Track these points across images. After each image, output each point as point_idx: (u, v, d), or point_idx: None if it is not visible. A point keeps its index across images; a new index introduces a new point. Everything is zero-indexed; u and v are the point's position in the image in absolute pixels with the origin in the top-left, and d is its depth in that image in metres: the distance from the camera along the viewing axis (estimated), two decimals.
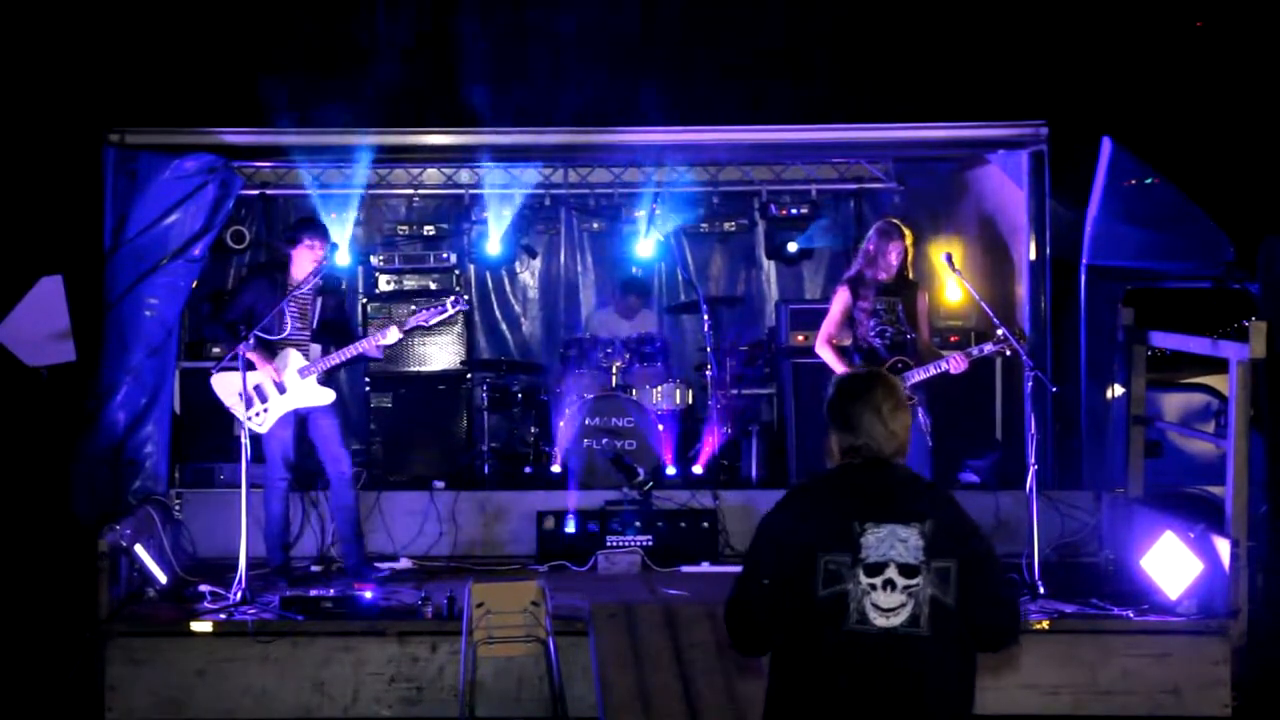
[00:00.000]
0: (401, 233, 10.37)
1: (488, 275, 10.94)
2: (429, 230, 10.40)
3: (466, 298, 7.80)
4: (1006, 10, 11.00)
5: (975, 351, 7.19)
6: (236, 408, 7.46)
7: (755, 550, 3.82)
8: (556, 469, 8.93)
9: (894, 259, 7.20)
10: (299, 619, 6.77)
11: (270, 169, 9.98)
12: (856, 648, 3.62)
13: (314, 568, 7.96)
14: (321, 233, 7.60)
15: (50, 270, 7.81)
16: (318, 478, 8.69)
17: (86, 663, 6.66)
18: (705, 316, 9.34)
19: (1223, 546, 6.78)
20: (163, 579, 7.31)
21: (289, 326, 7.50)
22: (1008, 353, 7.23)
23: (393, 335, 7.47)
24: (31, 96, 8.84)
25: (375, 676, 6.69)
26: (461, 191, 10.41)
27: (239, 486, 7.18)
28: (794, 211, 10.22)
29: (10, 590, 7.54)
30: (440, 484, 8.54)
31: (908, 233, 7.28)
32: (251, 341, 7.40)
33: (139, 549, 7.18)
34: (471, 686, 6.41)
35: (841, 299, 7.33)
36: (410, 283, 9.99)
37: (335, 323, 7.69)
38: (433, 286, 9.99)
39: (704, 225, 10.59)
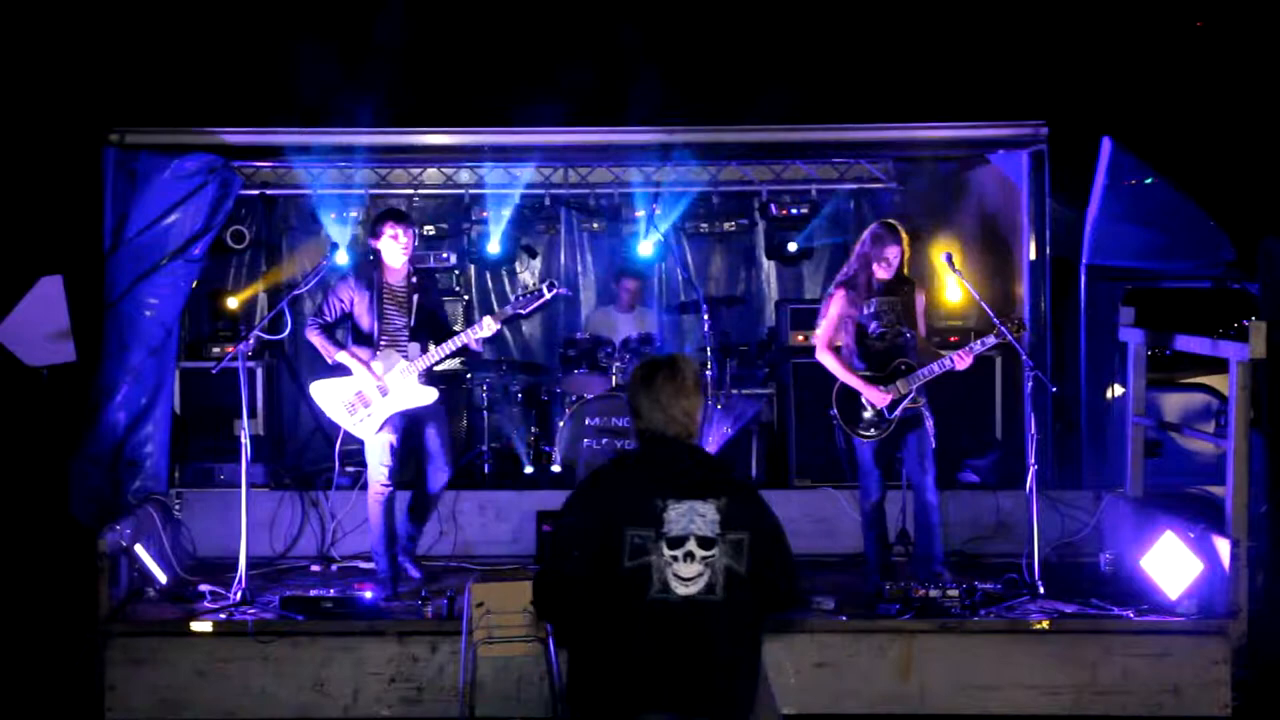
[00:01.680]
0: None
1: (488, 275, 10.94)
2: (429, 230, 10.40)
3: (554, 282, 7.39)
4: (1006, 10, 11.02)
5: (979, 346, 7.10)
6: (340, 416, 7.24)
7: (564, 526, 4.16)
8: (556, 469, 8.93)
9: (892, 260, 7.09)
10: (299, 619, 6.77)
11: (270, 169, 9.98)
12: (659, 615, 3.95)
13: (314, 567, 7.97)
14: (402, 220, 7.30)
15: (50, 270, 7.81)
16: (316, 477, 8.72)
17: (86, 663, 6.66)
18: (705, 316, 9.33)
19: (1223, 546, 6.78)
20: (163, 579, 7.31)
21: (387, 324, 7.28)
22: (1012, 341, 7.09)
23: (489, 326, 7.19)
24: (32, 96, 8.85)
25: (375, 676, 6.68)
26: (461, 191, 10.40)
27: (239, 486, 7.18)
28: (794, 211, 10.19)
29: (10, 590, 7.54)
30: None
31: (904, 234, 7.18)
32: (252, 341, 7.38)
33: (139, 549, 7.18)
34: (471, 686, 6.40)
35: (837, 303, 7.18)
36: None
37: (433, 318, 7.45)
38: None
39: (704, 225, 10.57)
